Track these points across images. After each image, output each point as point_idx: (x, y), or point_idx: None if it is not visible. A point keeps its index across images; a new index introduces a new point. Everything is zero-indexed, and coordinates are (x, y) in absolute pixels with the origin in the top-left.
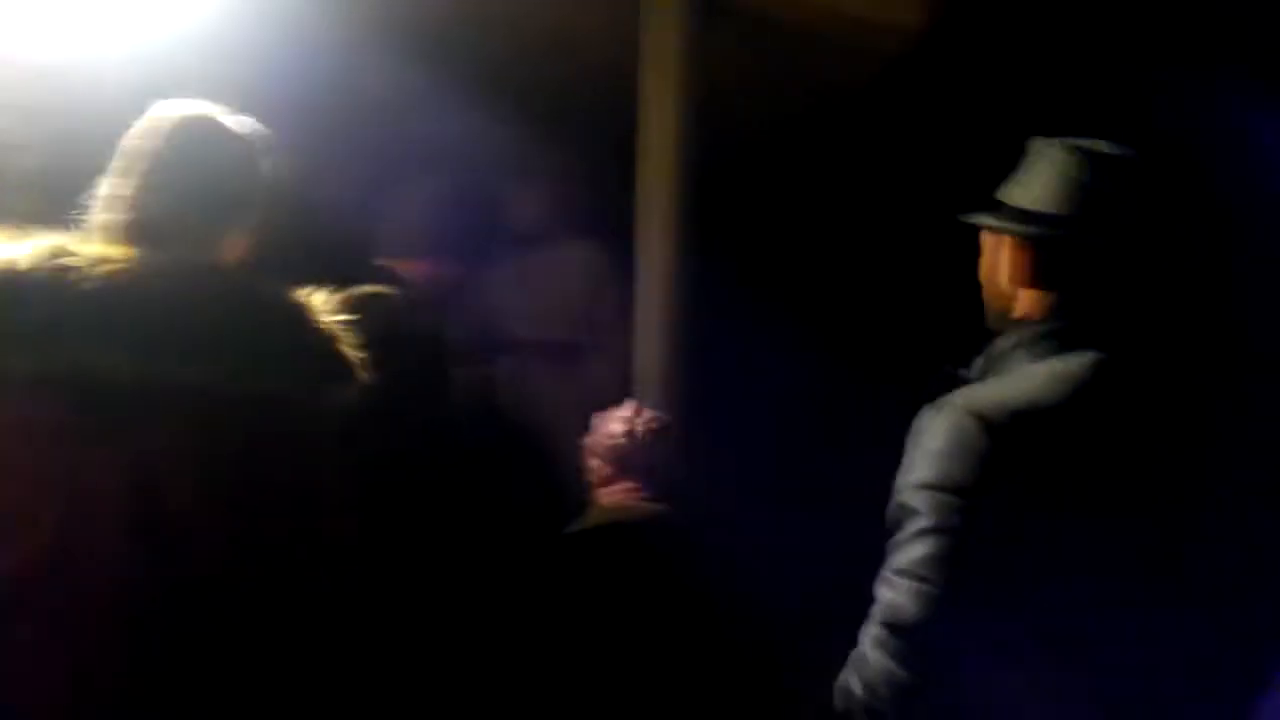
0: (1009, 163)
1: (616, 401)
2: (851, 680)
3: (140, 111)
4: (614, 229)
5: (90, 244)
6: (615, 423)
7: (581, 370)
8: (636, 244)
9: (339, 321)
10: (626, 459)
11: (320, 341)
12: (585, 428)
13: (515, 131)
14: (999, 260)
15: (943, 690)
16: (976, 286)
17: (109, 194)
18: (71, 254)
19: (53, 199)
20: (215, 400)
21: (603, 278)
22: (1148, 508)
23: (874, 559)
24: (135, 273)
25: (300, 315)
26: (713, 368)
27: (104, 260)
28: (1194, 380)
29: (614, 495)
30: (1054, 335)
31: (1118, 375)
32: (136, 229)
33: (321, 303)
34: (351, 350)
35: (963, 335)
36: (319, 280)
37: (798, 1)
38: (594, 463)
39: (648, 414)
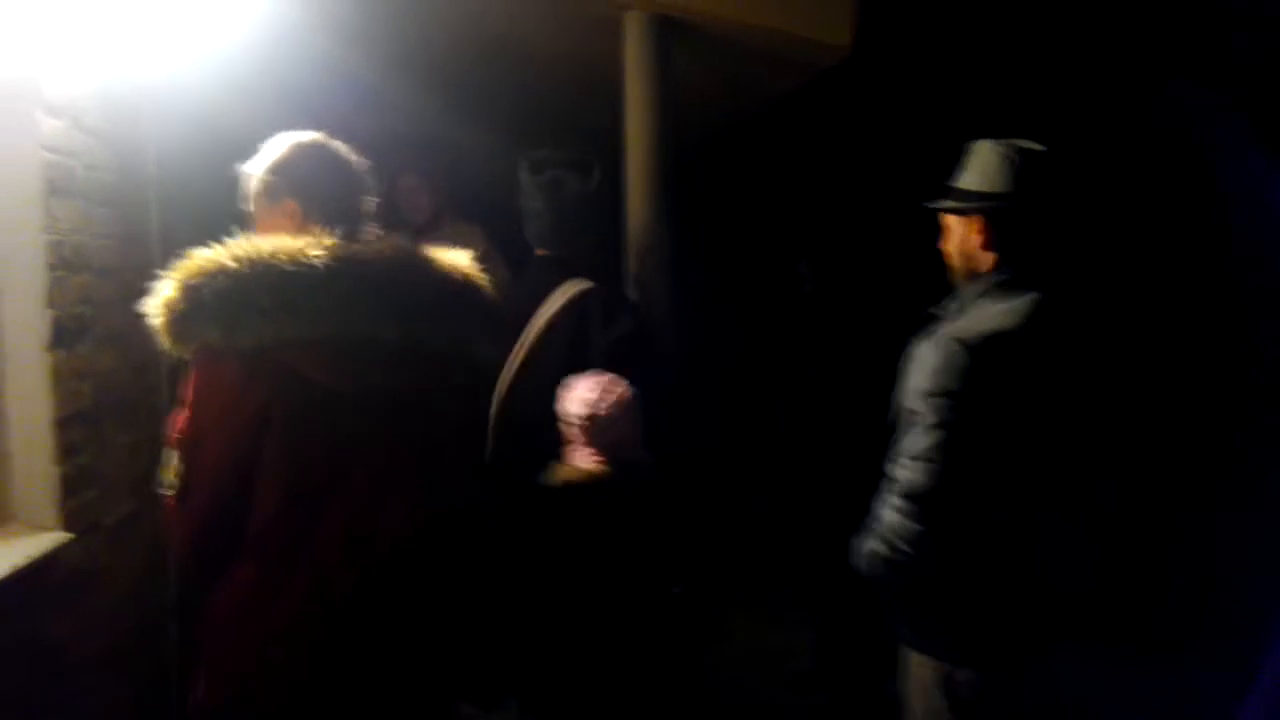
0: (921, 152)
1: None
2: (873, 543)
3: (188, 133)
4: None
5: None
6: (583, 400)
7: None
8: (626, 227)
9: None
10: (593, 432)
11: (491, 300)
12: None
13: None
14: (969, 233)
15: (947, 542)
16: (893, 256)
17: (281, 201)
18: (327, 246)
19: (122, 210)
20: (434, 352)
21: (494, 260)
22: (1071, 401)
23: None
24: (383, 256)
25: (476, 280)
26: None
27: (337, 250)
28: (1100, 311)
29: (581, 459)
30: (1007, 283)
31: (1050, 310)
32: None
33: (478, 268)
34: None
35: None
36: None
37: (745, 22)
38: (567, 428)
39: (615, 390)
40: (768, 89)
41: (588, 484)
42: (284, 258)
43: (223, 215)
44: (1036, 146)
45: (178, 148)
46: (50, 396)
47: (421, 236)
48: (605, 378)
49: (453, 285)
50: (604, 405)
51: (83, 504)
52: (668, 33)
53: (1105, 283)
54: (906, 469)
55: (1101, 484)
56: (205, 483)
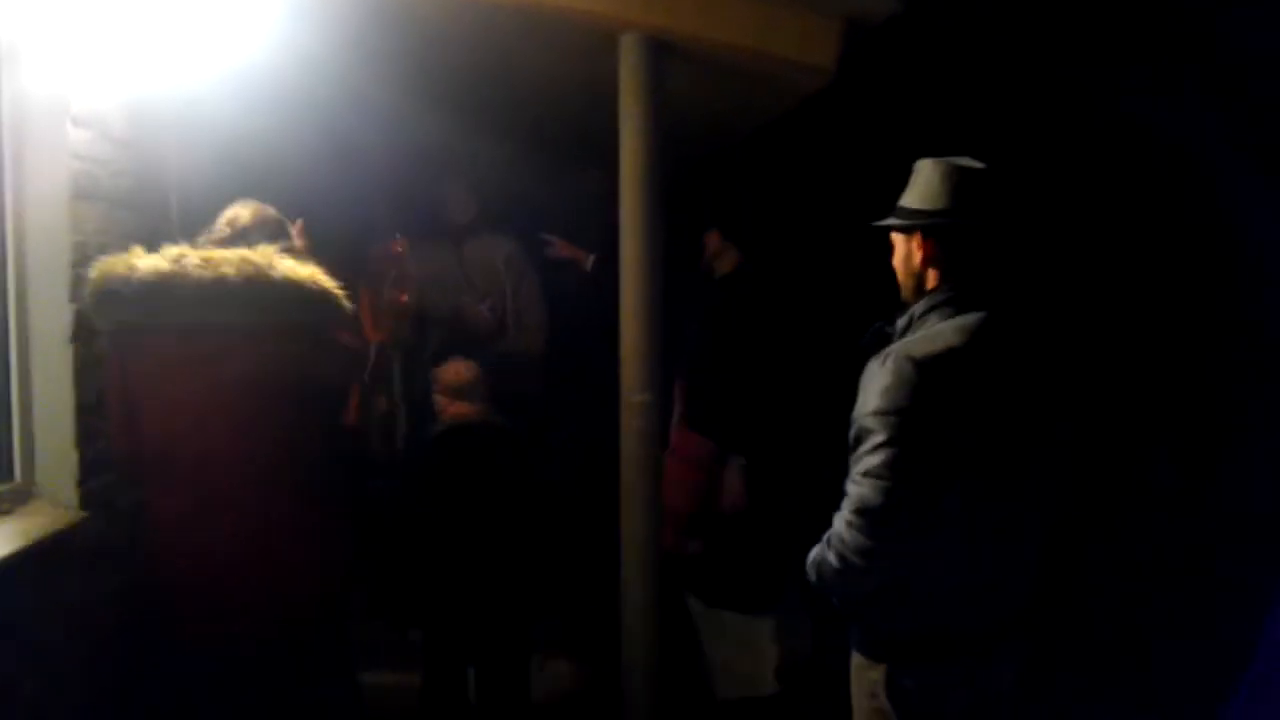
0: (895, 170)
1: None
2: (827, 554)
3: (209, 142)
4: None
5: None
6: (454, 370)
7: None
8: (620, 241)
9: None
10: (461, 389)
11: (326, 294)
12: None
13: (515, 150)
14: (911, 250)
15: (895, 555)
16: (875, 271)
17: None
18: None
19: (143, 213)
20: (271, 331)
21: (522, 265)
22: (1015, 415)
23: None
24: (241, 266)
25: (314, 273)
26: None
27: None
28: (1043, 330)
29: (455, 410)
30: (954, 300)
31: (997, 327)
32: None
33: (322, 273)
34: (343, 299)
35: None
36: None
37: (733, 43)
38: (441, 394)
39: (471, 364)
40: (757, 109)
41: (465, 422)
42: (147, 270)
43: None
44: (976, 164)
45: (199, 155)
46: (72, 385)
47: (461, 237)
48: (462, 360)
49: (300, 289)
50: (458, 375)
51: (100, 485)
52: (660, 53)
53: (1053, 297)
54: (859, 485)
55: (1045, 495)
56: (113, 428)
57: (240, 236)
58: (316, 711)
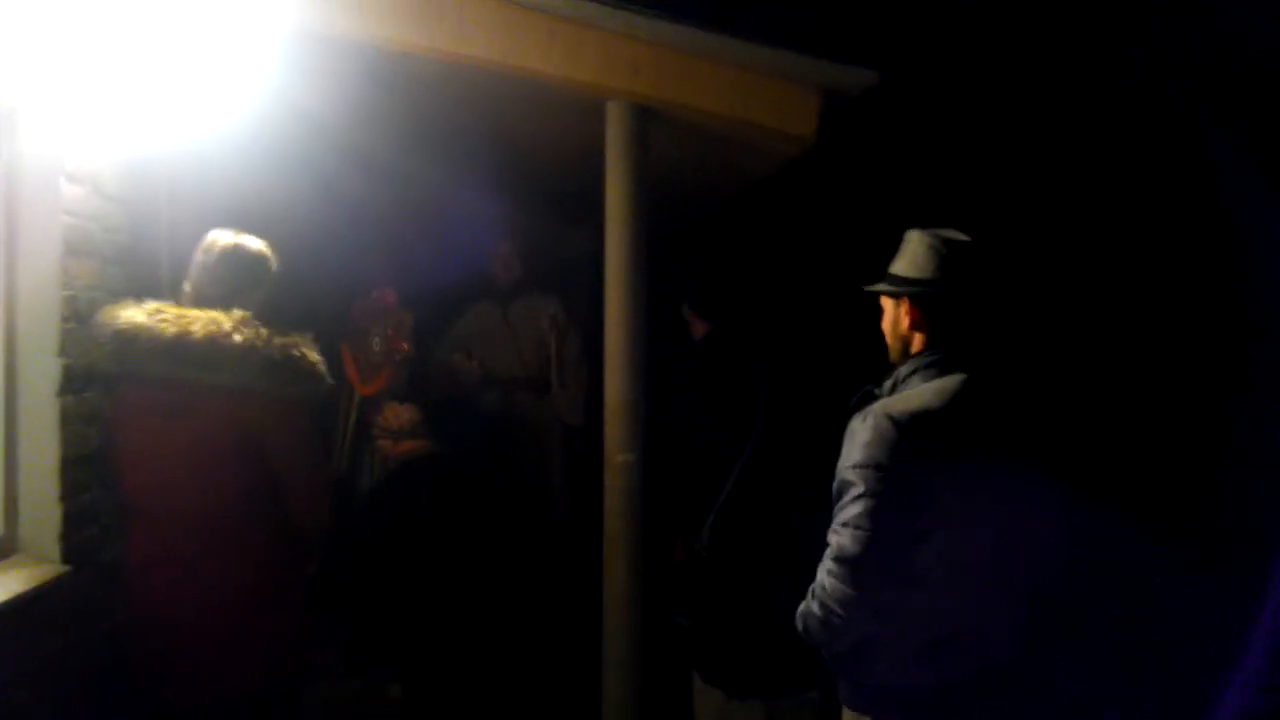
0: (871, 232)
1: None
2: (811, 605)
3: (202, 198)
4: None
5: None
6: (395, 414)
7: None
8: (605, 295)
9: (313, 347)
10: (402, 431)
11: (299, 359)
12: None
13: (508, 209)
14: (900, 315)
15: (874, 603)
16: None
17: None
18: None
19: (134, 269)
20: (241, 392)
21: (566, 325)
22: (993, 471)
23: None
24: (206, 326)
25: (287, 342)
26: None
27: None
28: (1018, 391)
29: (403, 448)
30: (937, 363)
31: (975, 388)
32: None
33: (306, 338)
34: (319, 363)
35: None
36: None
37: (714, 112)
38: (384, 437)
39: (409, 408)
40: (738, 174)
41: (415, 456)
42: (124, 321)
43: None
44: (963, 236)
45: (192, 212)
46: (58, 439)
47: (507, 297)
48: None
49: (263, 355)
50: (397, 419)
51: (83, 540)
52: (645, 119)
53: (1032, 361)
54: (839, 535)
55: (1031, 547)
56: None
57: (204, 297)
58: None
